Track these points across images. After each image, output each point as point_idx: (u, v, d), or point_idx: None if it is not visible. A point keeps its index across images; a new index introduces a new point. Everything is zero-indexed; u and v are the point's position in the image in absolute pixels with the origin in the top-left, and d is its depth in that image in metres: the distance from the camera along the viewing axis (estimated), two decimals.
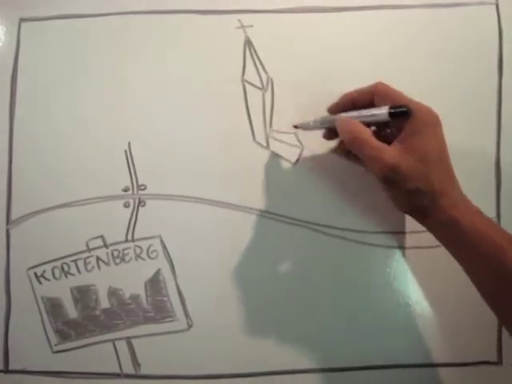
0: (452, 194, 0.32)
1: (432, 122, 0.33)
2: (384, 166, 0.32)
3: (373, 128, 0.35)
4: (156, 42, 0.41)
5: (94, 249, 0.40)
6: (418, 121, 0.32)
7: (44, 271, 0.40)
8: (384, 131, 0.36)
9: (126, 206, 0.40)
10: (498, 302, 0.32)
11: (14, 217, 0.41)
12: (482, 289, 0.32)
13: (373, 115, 0.34)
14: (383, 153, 0.32)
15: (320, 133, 0.39)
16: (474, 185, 0.39)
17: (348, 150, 0.36)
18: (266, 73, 0.41)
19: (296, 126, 0.40)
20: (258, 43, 0.41)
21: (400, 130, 0.33)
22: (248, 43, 0.41)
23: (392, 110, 0.32)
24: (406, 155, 0.32)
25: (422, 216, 0.34)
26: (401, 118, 0.33)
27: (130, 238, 0.40)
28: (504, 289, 0.30)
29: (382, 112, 0.33)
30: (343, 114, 0.36)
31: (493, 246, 0.31)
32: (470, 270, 0.33)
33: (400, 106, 0.32)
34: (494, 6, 0.41)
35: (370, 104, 0.35)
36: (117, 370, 0.40)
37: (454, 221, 0.32)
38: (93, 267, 0.40)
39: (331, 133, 0.38)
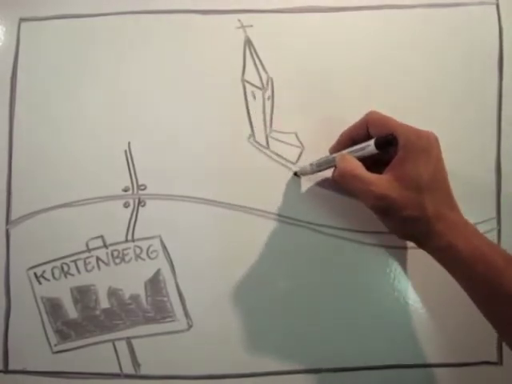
0: (449, 218, 0.32)
1: (422, 147, 0.32)
2: (372, 197, 0.32)
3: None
4: (155, 42, 0.41)
5: (94, 249, 0.40)
6: (407, 147, 0.31)
7: (44, 271, 0.40)
8: (388, 159, 0.34)
9: (126, 206, 0.40)
10: (497, 320, 0.32)
11: (13, 217, 0.41)
12: (480, 308, 0.32)
13: (361, 149, 0.34)
14: (370, 184, 0.32)
15: (321, 133, 0.39)
16: (474, 186, 0.39)
17: None
18: (266, 73, 0.41)
19: (296, 173, 0.40)
20: (258, 43, 0.41)
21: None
22: (248, 43, 0.41)
23: (377, 142, 0.32)
24: (396, 183, 0.31)
25: (419, 241, 0.34)
26: (390, 147, 0.32)
27: (129, 238, 0.40)
28: (502, 309, 0.30)
29: (369, 145, 0.33)
30: (336, 154, 0.36)
31: (490, 267, 0.30)
32: (468, 291, 0.32)
33: (385, 137, 0.32)
34: (494, 6, 0.41)
35: (368, 135, 0.34)
36: (117, 370, 0.40)
37: (452, 245, 0.31)
38: (93, 267, 0.40)
39: None
